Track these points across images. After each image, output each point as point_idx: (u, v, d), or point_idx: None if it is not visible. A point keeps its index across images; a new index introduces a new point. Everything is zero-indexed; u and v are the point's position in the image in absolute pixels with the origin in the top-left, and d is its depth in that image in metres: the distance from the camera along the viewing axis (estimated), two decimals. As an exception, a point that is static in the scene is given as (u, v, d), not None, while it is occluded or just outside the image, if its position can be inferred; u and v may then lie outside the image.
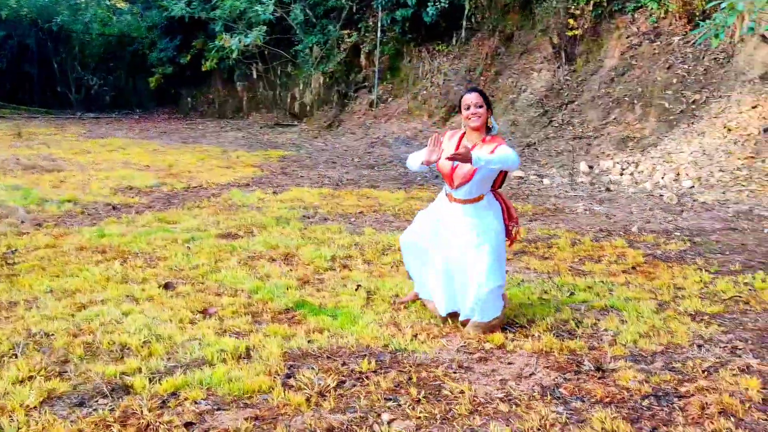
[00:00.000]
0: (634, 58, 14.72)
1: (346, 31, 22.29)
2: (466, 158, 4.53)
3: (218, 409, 3.78)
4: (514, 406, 3.79)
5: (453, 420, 3.65)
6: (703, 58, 13.44)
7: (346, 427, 3.59)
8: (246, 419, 3.65)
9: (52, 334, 4.80)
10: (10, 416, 3.62)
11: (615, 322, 5.05)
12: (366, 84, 22.16)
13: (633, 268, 6.55)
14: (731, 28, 10.08)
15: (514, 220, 5.16)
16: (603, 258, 6.89)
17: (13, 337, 4.73)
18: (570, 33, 15.95)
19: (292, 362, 4.39)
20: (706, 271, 6.37)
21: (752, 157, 10.76)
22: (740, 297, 5.58)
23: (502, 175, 5.11)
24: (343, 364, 4.37)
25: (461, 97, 4.97)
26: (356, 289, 5.86)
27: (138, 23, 29.86)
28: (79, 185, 10.79)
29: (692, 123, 12.44)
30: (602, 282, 6.05)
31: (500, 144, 4.82)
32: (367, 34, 21.78)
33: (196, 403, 3.84)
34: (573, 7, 15.92)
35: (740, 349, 4.54)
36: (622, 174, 11.60)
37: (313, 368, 4.28)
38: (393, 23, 20.51)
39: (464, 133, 5.01)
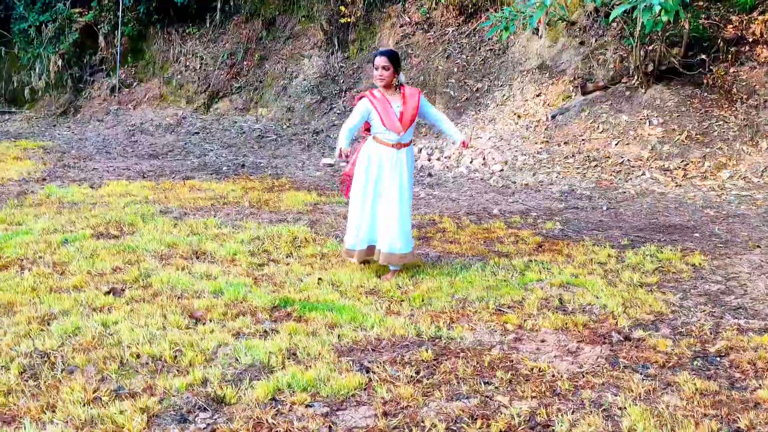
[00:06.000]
0: (410, 47, 15.65)
1: (77, 10, 20.68)
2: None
3: (337, 410, 3.74)
4: (600, 378, 4.16)
5: (567, 395, 3.94)
6: (480, 48, 14.73)
7: (481, 413, 3.72)
8: (378, 416, 3.65)
9: (51, 351, 4.28)
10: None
11: (588, 297, 5.62)
12: (104, 67, 20.80)
13: (540, 246, 7.20)
14: (536, 21, 11.23)
15: None
16: (503, 239, 7.47)
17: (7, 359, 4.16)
18: (342, 20, 16.46)
19: (349, 357, 4.37)
20: (601, 246, 7.21)
21: (547, 141, 12.12)
22: (662, 268, 6.45)
23: None
24: (401, 355, 4.43)
25: (372, 57, 6.03)
26: (318, 283, 5.82)
27: None
28: None
29: (479, 110, 13.63)
30: (532, 261, 6.61)
31: (419, 93, 5.95)
32: (104, 14, 20.42)
33: (308, 406, 3.76)
34: (345, -6, 16.45)
35: (714, 312, 5.34)
36: (430, 160, 12.38)
37: (378, 362, 4.29)
38: (137, 3, 19.51)
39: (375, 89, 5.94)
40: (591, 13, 13.37)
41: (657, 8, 9.66)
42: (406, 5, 16.20)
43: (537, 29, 13.85)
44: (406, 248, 5.98)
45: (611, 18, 10.44)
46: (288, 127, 15.93)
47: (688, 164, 10.86)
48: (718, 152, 11.10)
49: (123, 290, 5.52)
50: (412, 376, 4.12)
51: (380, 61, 5.73)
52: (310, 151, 13.96)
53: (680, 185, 10.34)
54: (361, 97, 5.89)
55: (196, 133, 16.60)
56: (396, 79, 5.86)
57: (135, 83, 20.08)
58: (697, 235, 7.83)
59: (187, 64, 19.17)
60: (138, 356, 4.28)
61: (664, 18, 9.87)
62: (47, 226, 7.46)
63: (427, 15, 15.78)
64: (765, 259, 6.84)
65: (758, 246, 7.35)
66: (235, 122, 16.88)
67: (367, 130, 5.94)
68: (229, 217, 8.25)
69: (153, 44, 20.17)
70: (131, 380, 4.00)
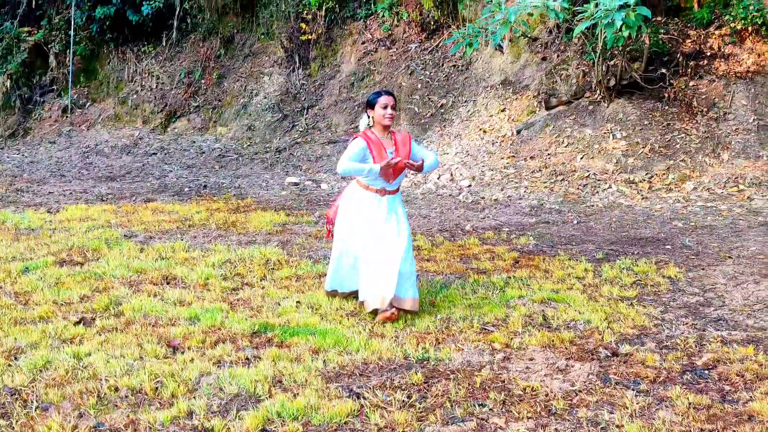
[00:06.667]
0: (372, 64, 15.66)
1: (26, 28, 20.33)
2: (419, 168, 5.61)
3: (332, 439, 3.63)
4: (594, 396, 4.14)
5: (563, 415, 3.91)
6: (443, 65, 14.79)
7: (478, 437, 3.66)
8: (374, 445, 3.56)
9: (22, 388, 4.12)
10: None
11: (571, 312, 5.61)
12: (55, 87, 20.46)
13: (516, 262, 7.20)
14: (500, 37, 11.28)
15: None
16: (479, 256, 7.46)
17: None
18: (303, 38, 16.41)
19: (337, 383, 4.28)
20: (577, 260, 7.24)
21: (513, 156, 12.18)
22: (639, 281, 6.49)
23: None
24: (390, 379, 4.36)
25: (374, 96, 5.62)
26: (296, 306, 5.73)
27: None
28: None
29: (445, 126, 13.66)
30: (511, 277, 6.60)
31: (410, 139, 5.74)
32: (55, 33, 20.09)
33: (300, 436, 3.63)
34: (305, 11, 16.40)
35: (696, 324, 5.37)
36: (396, 176, 12.33)
37: (368, 387, 4.22)
38: (89, 21, 19.24)
39: (369, 128, 5.62)
40: (552, 29, 13.52)
41: (619, 23, 9.80)
42: (368, 22, 16.22)
43: (500, 45, 13.96)
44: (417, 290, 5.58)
45: (574, 34, 10.54)
46: (249, 145, 15.79)
47: (652, 177, 10.99)
48: (682, 164, 11.26)
49: (93, 320, 5.36)
50: (404, 401, 4.05)
51: (390, 100, 5.53)
52: (274, 169, 13.85)
53: (646, 198, 10.46)
54: (355, 138, 5.58)
55: (153, 153, 16.38)
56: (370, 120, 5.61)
57: (88, 103, 19.77)
58: (668, 247, 7.91)
59: (143, 83, 18.94)
60: (116, 389, 4.13)
61: (626, 33, 10.01)
62: (5, 253, 7.24)
63: (389, 32, 15.81)
64: (738, 269, 6.92)
65: (729, 257, 7.44)
66: (194, 142, 16.69)
67: None
68: (197, 240, 8.11)
69: (107, 63, 19.90)
70: (111, 415, 3.84)
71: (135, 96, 18.82)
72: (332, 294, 5.91)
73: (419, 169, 5.62)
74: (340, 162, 5.50)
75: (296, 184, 12.42)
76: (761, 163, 11.01)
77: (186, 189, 12.23)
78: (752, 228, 8.75)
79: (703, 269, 6.96)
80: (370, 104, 5.57)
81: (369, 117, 5.59)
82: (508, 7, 10.68)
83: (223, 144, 16.21)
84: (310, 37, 16.37)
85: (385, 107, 5.49)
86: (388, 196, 5.62)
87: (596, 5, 10.09)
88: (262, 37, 17.67)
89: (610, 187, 10.89)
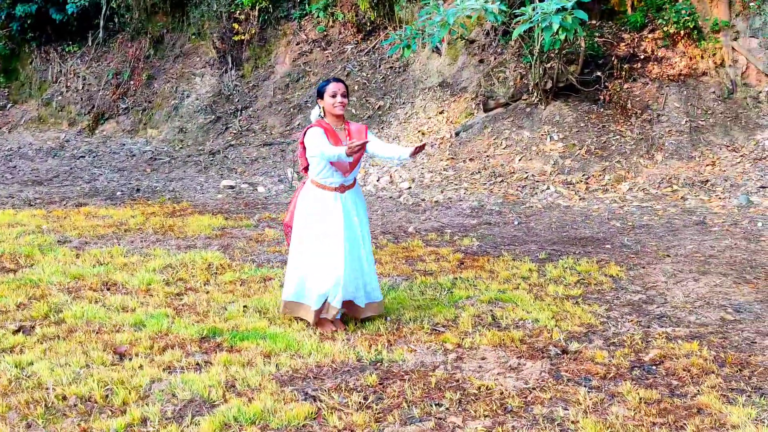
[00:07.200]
0: (307, 65, 15.66)
1: (-63, 26, 19.72)
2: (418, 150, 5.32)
3: (291, 442, 3.66)
4: (547, 393, 4.26)
5: (519, 412, 4.02)
6: (380, 66, 14.89)
7: (437, 436, 3.73)
8: (333, 446, 3.60)
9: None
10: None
11: (519, 311, 5.74)
12: (-28, 88, 19.86)
13: (461, 263, 7.32)
14: (440, 39, 11.42)
15: None
16: (424, 258, 7.56)
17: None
18: (236, 38, 16.32)
19: (292, 387, 4.31)
20: (521, 260, 7.40)
21: (452, 158, 12.35)
22: (583, 280, 6.68)
23: None
24: (345, 382, 4.40)
25: (323, 85, 5.31)
26: (243, 311, 5.73)
27: None
28: None
29: (383, 128, 13.76)
30: (457, 278, 6.71)
31: (366, 129, 5.57)
32: (-29, 31, 19.53)
33: (259, 440, 3.65)
34: (238, 11, 16.31)
35: (641, 321, 5.56)
36: (335, 179, 12.38)
37: (323, 389, 4.26)
38: (9, 19, 18.75)
39: (322, 119, 5.33)
40: (489, 31, 13.76)
41: (556, 26, 10.04)
42: (303, 23, 16.22)
43: (438, 47, 14.13)
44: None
45: (513, 36, 10.76)
46: (181, 148, 15.62)
47: (589, 178, 11.29)
48: (617, 166, 11.58)
49: (33, 327, 5.26)
50: (360, 402, 4.10)
51: (340, 87, 5.22)
52: (208, 172, 13.73)
53: (584, 198, 10.73)
54: (308, 128, 5.22)
55: (81, 156, 16.05)
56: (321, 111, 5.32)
57: (9, 105, 19.25)
58: (608, 246, 8.14)
59: (68, 84, 18.54)
60: (64, 398, 4.07)
61: (562, 36, 10.26)
62: (-66, 260, 7.05)
63: (325, 32, 15.84)
64: (677, 267, 7.17)
65: (668, 255, 7.70)
66: (124, 145, 16.42)
67: (306, 169, 5.42)
68: (135, 245, 8.01)
69: (29, 63, 19.42)
70: (61, 425, 3.80)
71: (60, 97, 18.41)
72: (292, 306, 5.44)
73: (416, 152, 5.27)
74: (320, 149, 5.07)
75: (232, 187, 12.35)
76: (693, 164, 11.42)
77: (118, 193, 12.04)
78: (687, 227, 9.07)
79: (643, 267, 7.19)
80: (320, 93, 5.28)
81: (320, 107, 5.31)
82: (446, 9, 10.83)
83: (154, 146, 15.99)
84: (243, 37, 16.28)
85: (334, 95, 5.20)
86: (347, 192, 5.38)
87: (534, 9, 10.32)
88: (193, 37, 17.50)
89: (548, 188, 11.14)
